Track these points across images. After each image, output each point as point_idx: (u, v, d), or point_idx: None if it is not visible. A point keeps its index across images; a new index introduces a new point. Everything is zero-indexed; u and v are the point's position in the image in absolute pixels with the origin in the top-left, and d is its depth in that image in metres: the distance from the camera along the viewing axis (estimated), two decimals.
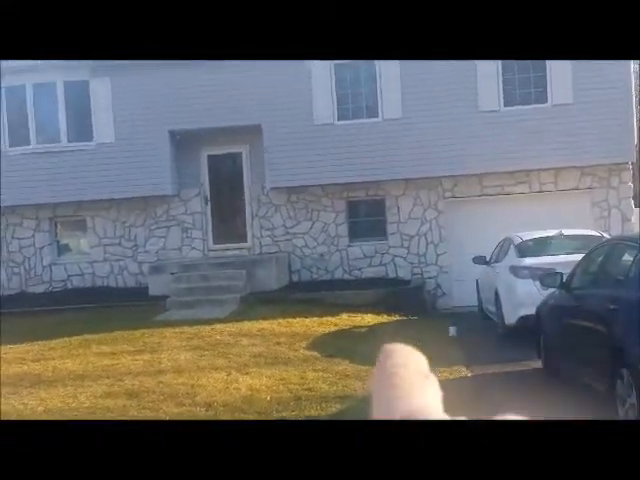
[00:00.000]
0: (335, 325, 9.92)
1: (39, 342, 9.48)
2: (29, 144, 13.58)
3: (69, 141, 13.57)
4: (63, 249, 14.41)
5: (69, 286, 13.90)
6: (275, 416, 5.95)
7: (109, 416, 6.26)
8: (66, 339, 9.57)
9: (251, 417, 5.99)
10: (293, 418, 5.83)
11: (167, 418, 6.09)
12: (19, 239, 14.15)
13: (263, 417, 5.95)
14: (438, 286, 13.21)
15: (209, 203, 13.88)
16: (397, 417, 0.35)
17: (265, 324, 9.79)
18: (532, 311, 8.08)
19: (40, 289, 13.90)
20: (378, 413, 0.36)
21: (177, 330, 9.66)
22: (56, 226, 14.40)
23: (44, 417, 6.31)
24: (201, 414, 6.17)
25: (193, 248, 13.80)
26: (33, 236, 14.13)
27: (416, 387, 0.36)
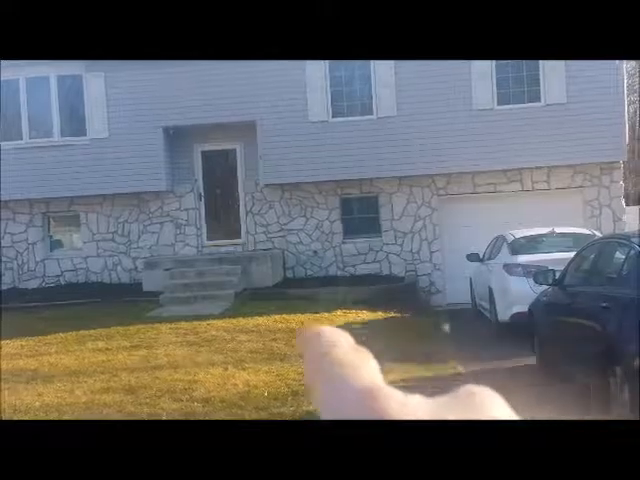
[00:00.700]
0: (330, 321, 9.98)
1: (34, 338, 9.48)
2: (22, 139, 13.53)
3: (62, 136, 13.54)
4: (56, 244, 14.39)
5: (62, 281, 13.88)
6: (273, 411, 6.01)
7: (106, 411, 6.30)
8: (61, 335, 9.57)
9: (249, 412, 6.04)
10: (291, 413, 5.89)
11: (164, 413, 6.13)
12: (12, 234, 14.12)
13: (261, 412, 6.01)
14: (432, 283, 13.30)
15: (203, 199, 13.90)
16: (349, 396, 0.34)
17: (261, 320, 9.83)
18: (525, 308, 8.17)
19: (33, 284, 13.88)
20: (324, 398, 0.36)
21: (173, 326, 9.69)
22: (49, 221, 14.37)
23: (40, 412, 6.34)
24: (199, 409, 6.22)
25: (187, 244, 13.82)
26: (26, 231, 14.10)
27: (356, 362, 0.36)
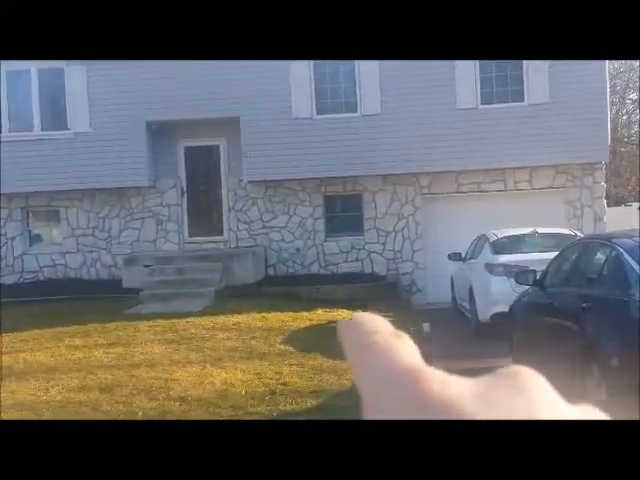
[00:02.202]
0: (310, 320, 9.93)
1: (9, 334, 9.33)
2: (1, 132, 13.32)
3: (43, 130, 13.36)
4: (35, 239, 14.19)
5: (41, 277, 13.70)
6: (250, 410, 5.94)
7: (81, 410, 6.20)
8: (37, 331, 9.43)
9: (225, 411, 5.97)
10: (268, 413, 5.82)
11: (140, 412, 6.04)
12: None
13: (238, 411, 5.94)
14: (413, 282, 13.28)
15: (185, 195, 13.78)
16: (392, 380, 0.35)
17: (240, 318, 9.76)
18: (506, 308, 8.17)
19: (11, 280, 13.68)
20: (367, 384, 0.36)
21: (151, 323, 9.59)
22: (28, 216, 14.17)
23: (14, 410, 6.22)
24: (175, 408, 6.14)
25: (168, 241, 13.70)
26: (4, 226, 13.89)
27: (397, 348, 0.37)
